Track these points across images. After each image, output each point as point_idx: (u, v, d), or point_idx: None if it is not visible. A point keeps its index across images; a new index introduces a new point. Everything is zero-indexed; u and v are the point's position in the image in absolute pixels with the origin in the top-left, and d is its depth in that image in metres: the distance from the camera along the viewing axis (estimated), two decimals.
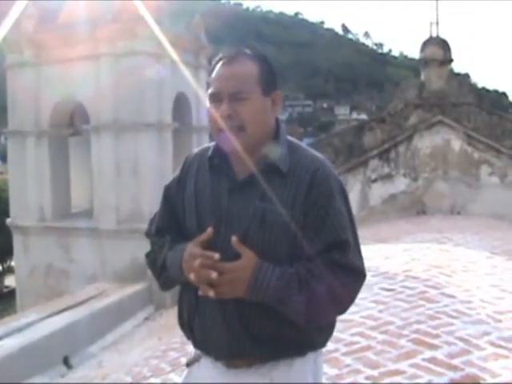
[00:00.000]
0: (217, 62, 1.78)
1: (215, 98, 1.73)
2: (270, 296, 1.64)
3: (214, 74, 1.76)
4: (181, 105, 10.38)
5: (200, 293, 1.66)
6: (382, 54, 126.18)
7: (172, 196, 1.92)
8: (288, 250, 1.70)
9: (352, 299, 1.74)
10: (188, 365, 1.92)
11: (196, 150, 1.97)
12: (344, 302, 1.72)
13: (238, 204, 1.74)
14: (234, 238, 1.66)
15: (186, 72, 9.65)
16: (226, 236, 1.71)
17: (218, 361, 1.80)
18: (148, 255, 1.95)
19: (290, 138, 1.83)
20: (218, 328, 1.74)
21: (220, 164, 1.80)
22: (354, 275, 1.72)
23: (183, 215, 1.85)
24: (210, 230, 1.70)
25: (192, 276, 1.65)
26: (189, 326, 1.85)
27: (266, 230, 1.69)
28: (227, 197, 1.76)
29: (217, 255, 1.64)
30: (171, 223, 1.90)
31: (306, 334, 1.75)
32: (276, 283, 1.64)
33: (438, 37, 11.35)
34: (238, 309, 1.71)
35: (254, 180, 1.72)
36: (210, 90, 1.76)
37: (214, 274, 1.62)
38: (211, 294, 1.63)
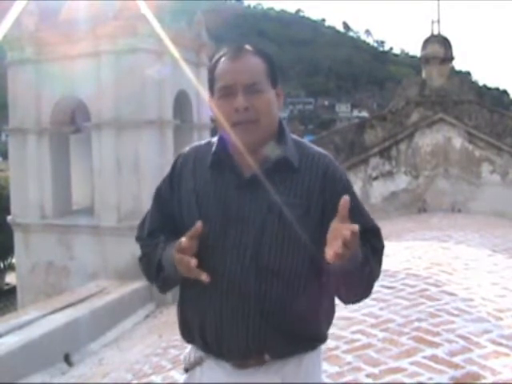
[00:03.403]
0: (219, 58, 1.75)
1: (228, 92, 1.70)
2: (356, 263, 1.59)
3: (220, 69, 1.73)
4: (182, 102, 10.38)
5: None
6: (383, 51, 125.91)
7: (165, 196, 1.87)
8: (306, 243, 1.68)
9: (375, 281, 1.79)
10: (187, 370, 1.87)
11: (188, 147, 1.92)
12: (373, 283, 1.77)
13: (248, 201, 1.71)
14: (345, 198, 1.52)
15: (187, 69, 9.63)
16: (236, 234, 1.69)
17: (229, 361, 1.75)
18: (141, 259, 1.91)
19: (292, 135, 1.83)
20: (238, 324, 1.70)
21: (224, 160, 1.76)
22: (382, 260, 1.78)
23: (180, 214, 1.81)
24: (198, 224, 1.64)
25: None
26: (200, 327, 1.77)
27: (285, 224, 1.67)
28: (235, 194, 1.72)
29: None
30: (164, 224, 1.86)
31: (320, 326, 1.77)
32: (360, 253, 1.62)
33: (439, 35, 11.34)
34: (259, 303, 1.68)
35: (264, 176, 1.70)
36: (219, 84, 1.72)
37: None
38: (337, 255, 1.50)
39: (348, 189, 1.74)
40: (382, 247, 1.77)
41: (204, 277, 1.62)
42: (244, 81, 1.68)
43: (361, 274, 1.64)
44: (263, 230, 1.67)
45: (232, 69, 1.71)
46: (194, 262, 1.60)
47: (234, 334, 1.71)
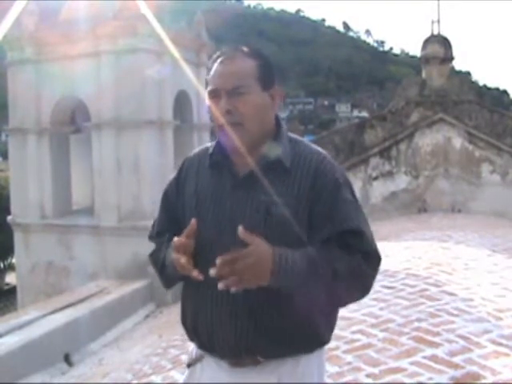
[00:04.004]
0: (214, 61, 1.78)
1: (214, 95, 1.74)
2: (295, 277, 1.60)
3: (211, 72, 1.77)
4: (182, 102, 10.38)
5: (220, 285, 1.57)
6: (383, 51, 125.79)
7: (171, 199, 1.92)
8: (295, 244, 1.68)
9: (371, 284, 1.74)
10: (189, 365, 1.90)
11: (194, 150, 1.96)
12: (362, 285, 1.73)
13: (241, 200, 1.73)
14: (240, 229, 1.60)
15: (187, 70, 9.64)
16: (230, 233, 1.68)
17: (224, 359, 1.78)
18: (151, 255, 1.96)
19: (290, 134, 1.84)
20: (226, 324, 1.72)
21: (221, 161, 1.79)
22: (370, 258, 1.72)
23: (183, 217, 1.84)
24: (193, 221, 1.69)
25: (212, 271, 1.57)
26: (193, 325, 1.82)
27: (271, 224, 1.68)
28: (230, 194, 1.75)
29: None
30: (171, 226, 1.90)
31: (315, 329, 1.75)
32: (300, 262, 1.61)
33: (439, 35, 11.35)
34: (247, 303, 1.69)
35: (257, 175, 1.72)
36: (208, 88, 1.77)
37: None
38: (233, 287, 1.56)
39: (338, 187, 1.73)
40: (366, 249, 1.71)
41: (195, 274, 1.64)
42: (227, 85, 1.71)
43: (312, 281, 1.61)
44: (251, 230, 1.67)
45: (218, 72, 1.75)
46: (183, 259, 1.65)
47: (224, 334, 1.74)
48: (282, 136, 1.79)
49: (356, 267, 1.66)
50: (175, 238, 1.71)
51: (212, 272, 1.57)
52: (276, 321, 1.70)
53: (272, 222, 1.69)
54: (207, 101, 1.78)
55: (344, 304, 1.79)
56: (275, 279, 1.59)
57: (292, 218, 1.68)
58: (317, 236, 1.69)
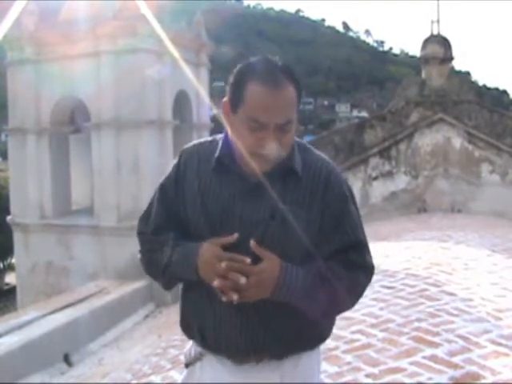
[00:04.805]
0: (252, 75, 1.64)
1: (259, 127, 1.62)
2: (295, 294, 1.65)
3: (255, 97, 1.61)
4: (181, 102, 10.39)
5: (224, 299, 1.61)
6: (382, 51, 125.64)
7: (170, 194, 1.84)
8: (304, 251, 1.69)
9: (362, 293, 1.79)
10: (188, 365, 1.88)
11: (191, 144, 1.88)
12: (357, 297, 1.77)
13: (251, 206, 1.70)
14: (252, 242, 1.63)
15: (187, 70, 9.64)
16: (240, 239, 1.67)
17: (230, 359, 1.77)
18: (144, 254, 1.90)
19: (297, 139, 1.81)
20: (235, 325, 1.72)
21: (228, 165, 1.74)
22: (368, 273, 1.77)
23: (185, 215, 1.79)
24: (236, 235, 1.66)
25: (216, 282, 1.60)
26: (199, 328, 1.80)
27: (286, 231, 1.68)
28: (240, 199, 1.71)
29: (248, 259, 1.61)
30: (169, 222, 1.83)
31: (319, 327, 1.79)
32: (302, 281, 1.65)
33: (438, 35, 11.34)
34: (256, 306, 1.68)
35: (268, 182, 1.69)
36: (251, 114, 1.62)
37: (243, 279, 1.59)
38: (235, 298, 1.60)
39: (346, 199, 1.76)
40: (365, 263, 1.76)
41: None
42: (279, 121, 1.62)
43: (311, 299, 1.66)
44: (264, 236, 1.67)
45: (269, 105, 1.61)
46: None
47: (232, 335, 1.73)
48: (293, 143, 1.77)
49: (356, 284, 1.74)
50: (214, 248, 1.66)
51: (216, 283, 1.60)
52: (284, 319, 1.72)
53: (287, 230, 1.68)
54: (237, 119, 1.67)
55: (338, 313, 1.82)
56: (275, 296, 1.65)
57: (305, 224, 1.69)
58: (325, 246, 1.72)
